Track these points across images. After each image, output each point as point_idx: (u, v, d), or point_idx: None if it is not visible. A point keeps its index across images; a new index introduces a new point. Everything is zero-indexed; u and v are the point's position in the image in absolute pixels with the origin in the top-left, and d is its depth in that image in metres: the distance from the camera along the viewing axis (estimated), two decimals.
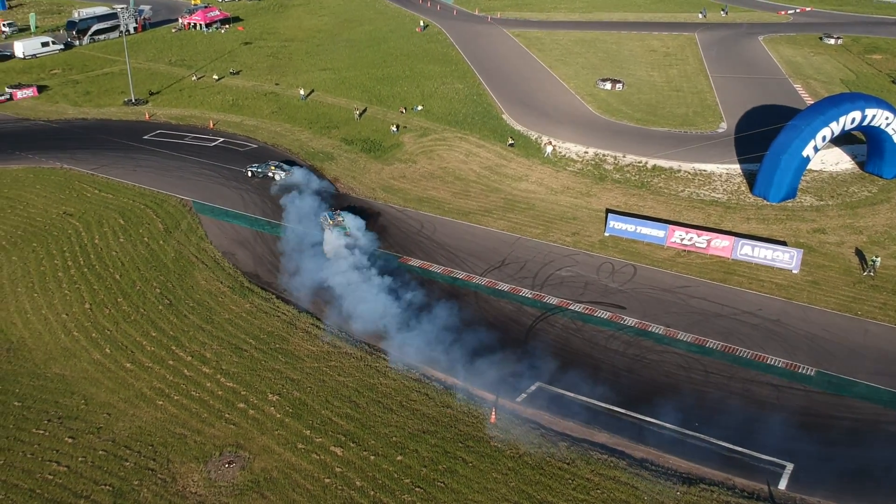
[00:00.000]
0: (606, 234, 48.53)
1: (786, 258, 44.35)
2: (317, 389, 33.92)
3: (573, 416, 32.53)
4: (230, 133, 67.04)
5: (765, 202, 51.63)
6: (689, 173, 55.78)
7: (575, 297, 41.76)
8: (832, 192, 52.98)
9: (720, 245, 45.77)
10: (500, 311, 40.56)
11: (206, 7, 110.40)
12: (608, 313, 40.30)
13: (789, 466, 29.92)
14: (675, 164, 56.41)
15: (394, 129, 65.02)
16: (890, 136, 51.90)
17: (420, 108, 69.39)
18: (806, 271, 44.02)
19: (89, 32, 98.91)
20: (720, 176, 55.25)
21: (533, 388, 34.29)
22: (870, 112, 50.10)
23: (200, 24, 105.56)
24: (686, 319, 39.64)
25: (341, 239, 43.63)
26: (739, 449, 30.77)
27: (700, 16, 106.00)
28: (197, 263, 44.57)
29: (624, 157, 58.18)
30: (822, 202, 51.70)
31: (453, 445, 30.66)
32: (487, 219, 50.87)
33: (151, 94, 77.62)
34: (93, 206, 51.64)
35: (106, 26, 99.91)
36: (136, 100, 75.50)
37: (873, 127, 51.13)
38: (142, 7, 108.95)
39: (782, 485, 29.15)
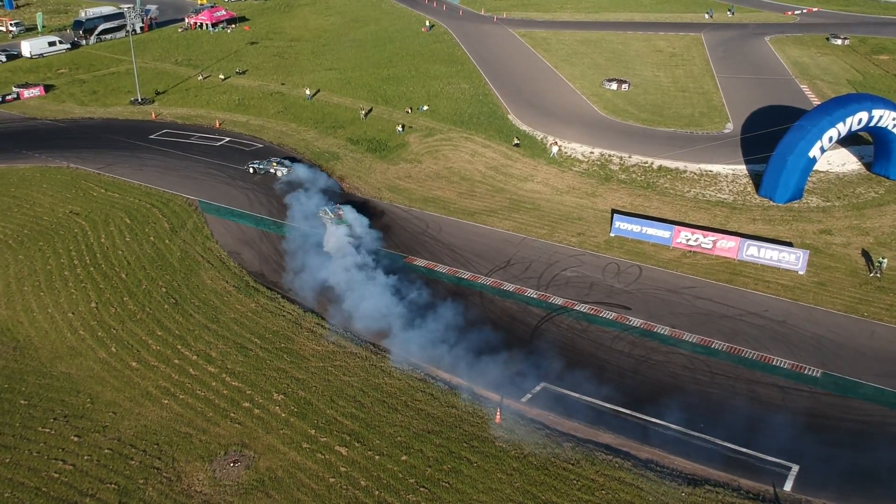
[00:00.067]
0: (612, 235, 48.47)
1: (792, 259, 44.24)
2: (322, 389, 33.96)
3: (578, 416, 32.49)
4: (236, 132, 67.16)
5: (771, 203, 51.51)
6: (695, 174, 55.69)
7: (580, 297, 41.72)
8: (839, 193, 52.83)
9: (726, 246, 45.67)
10: (505, 312, 40.55)
11: (212, 7, 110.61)
12: (613, 314, 40.25)
13: (795, 468, 29.83)
14: (680, 165, 56.33)
15: (399, 128, 65.06)
16: None
17: (426, 108, 69.40)
18: (812, 272, 43.90)
19: (96, 32, 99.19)
20: (726, 177, 55.15)
21: (538, 388, 34.27)
22: (877, 113, 49.93)
23: (207, 24, 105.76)
24: (691, 320, 39.58)
25: (342, 234, 43.46)
26: (745, 450, 30.69)
27: (706, 16, 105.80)
28: (203, 263, 44.65)
29: (630, 157, 58.11)
30: (828, 203, 51.55)
31: (458, 445, 30.66)
32: (493, 219, 50.86)
33: (158, 93, 77.82)
34: (99, 205, 51.78)
35: (112, 26, 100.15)
36: (142, 99, 75.70)
37: (880, 128, 50.96)
38: (148, 7, 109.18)
39: (788, 486, 29.07)
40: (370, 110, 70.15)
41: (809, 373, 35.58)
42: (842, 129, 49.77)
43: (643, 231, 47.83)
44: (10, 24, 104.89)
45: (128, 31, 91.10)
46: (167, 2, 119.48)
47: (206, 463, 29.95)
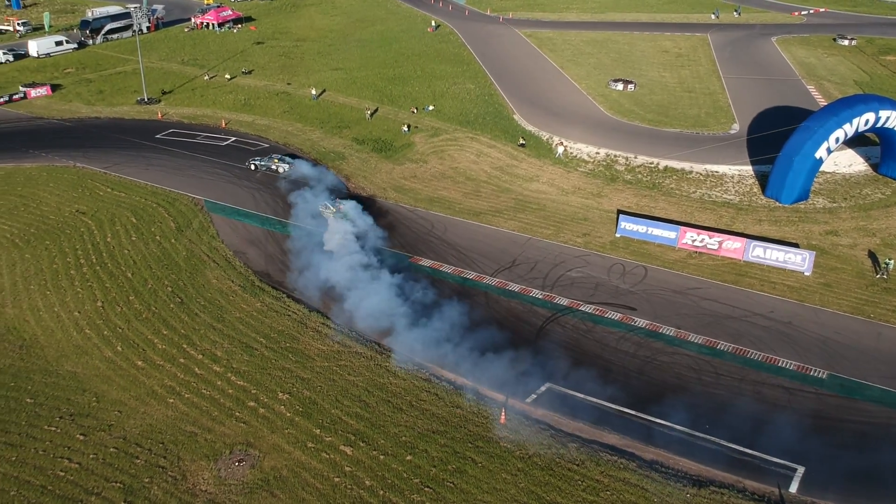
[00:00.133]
0: (617, 235, 48.41)
1: (798, 260, 44.12)
2: (327, 388, 33.99)
3: (583, 417, 32.46)
4: (242, 132, 67.25)
5: (777, 204, 51.39)
6: (701, 174, 55.60)
7: (585, 298, 41.68)
8: (845, 193, 52.68)
9: (732, 247, 45.57)
10: (510, 312, 40.53)
11: (218, 7, 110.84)
12: (619, 314, 40.20)
13: (800, 469, 29.76)
14: (686, 166, 56.24)
15: (405, 129, 65.08)
16: None
17: (431, 108, 69.41)
18: (818, 273, 43.78)
19: (102, 32, 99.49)
20: (732, 177, 55.04)
21: (543, 388, 34.24)
22: (884, 114, 49.78)
23: (213, 24, 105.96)
24: (697, 321, 39.51)
25: (344, 229, 43.41)
26: (750, 451, 30.63)
27: (713, 17, 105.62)
28: (208, 262, 44.73)
29: (635, 157, 58.04)
30: (834, 204, 51.41)
31: (463, 446, 30.65)
32: (498, 219, 50.84)
33: (164, 93, 77.96)
34: (105, 204, 51.91)
35: (119, 25, 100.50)
36: (148, 99, 75.85)
37: (887, 129, 50.80)
38: (155, 6, 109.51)
39: (793, 488, 29.00)
40: (376, 110, 70.19)
41: (815, 374, 35.48)
42: (848, 130, 49.64)
43: (649, 232, 47.76)
44: (18, 24, 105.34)
45: (134, 31, 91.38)
46: (173, 2, 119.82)
47: (212, 462, 30.00)
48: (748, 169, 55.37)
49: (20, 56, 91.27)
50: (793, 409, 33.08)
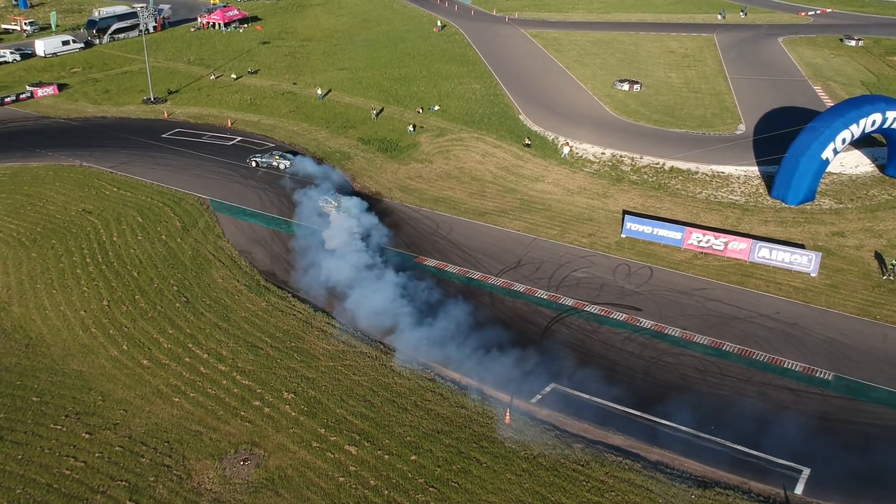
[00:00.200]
0: (623, 236, 48.34)
1: (804, 261, 44.00)
2: (332, 388, 34.01)
3: (588, 417, 32.42)
4: (248, 132, 67.36)
5: (783, 205, 51.27)
6: (707, 175, 55.49)
7: (591, 298, 41.63)
8: (851, 194, 52.53)
9: (738, 248, 45.48)
10: (515, 312, 40.51)
11: (224, 6, 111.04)
12: (624, 315, 40.14)
13: (806, 471, 29.67)
14: (692, 166, 56.15)
15: (410, 129, 65.10)
16: None
17: (437, 108, 69.41)
18: (824, 275, 43.66)
19: (109, 31, 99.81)
20: (738, 178, 54.93)
21: (548, 389, 34.21)
22: (891, 114, 49.63)
23: (219, 24, 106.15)
24: (703, 322, 39.43)
25: (346, 225, 43.44)
26: (755, 453, 30.55)
27: (719, 17, 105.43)
28: (214, 261, 44.80)
29: (641, 158, 57.96)
30: (841, 205, 51.26)
31: (467, 446, 30.64)
32: (503, 219, 50.82)
33: (170, 92, 78.14)
34: (111, 203, 52.04)
35: (125, 25, 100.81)
36: (154, 98, 76.04)
37: (894, 130, 50.65)
38: (161, 6, 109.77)
39: (799, 490, 28.92)
40: (381, 110, 70.23)
41: (821, 375, 35.38)
42: (855, 130, 49.50)
43: (654, 232, 47.68)
44: (25, 24, 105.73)
45: (141, 31, 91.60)
46: (180, 1, 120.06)
47: (217, 461, 30.05)
48: (754, 170, 55.25)
49: (27, 55, 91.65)
50: (798, 410, 32.97)
